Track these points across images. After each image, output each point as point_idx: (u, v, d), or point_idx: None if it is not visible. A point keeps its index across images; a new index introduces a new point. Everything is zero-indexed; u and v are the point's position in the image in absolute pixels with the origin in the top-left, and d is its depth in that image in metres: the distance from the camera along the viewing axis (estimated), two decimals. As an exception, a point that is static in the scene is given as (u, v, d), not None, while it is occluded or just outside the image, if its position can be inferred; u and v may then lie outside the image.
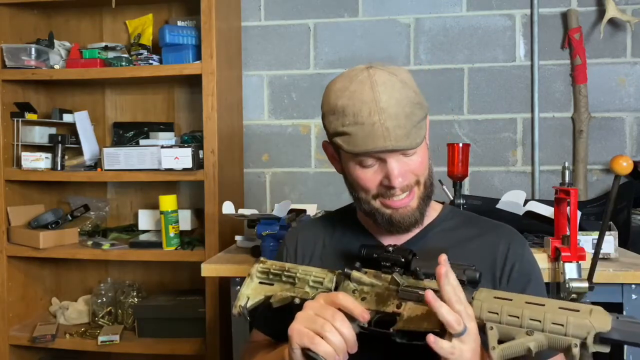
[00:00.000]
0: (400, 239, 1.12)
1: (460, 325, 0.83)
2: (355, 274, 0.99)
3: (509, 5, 2.38)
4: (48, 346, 2.27)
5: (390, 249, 0.98)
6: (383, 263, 0.97)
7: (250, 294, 1.08)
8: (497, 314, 0.85)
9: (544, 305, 0.83)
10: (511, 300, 0.86)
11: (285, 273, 1.06)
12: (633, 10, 2.31)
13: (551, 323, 0.81)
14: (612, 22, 2.28)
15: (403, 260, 0.96)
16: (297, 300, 1.02)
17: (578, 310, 0.81)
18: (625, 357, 1.60)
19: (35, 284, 2.50)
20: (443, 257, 0.87)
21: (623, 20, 2.26)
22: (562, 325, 0.80)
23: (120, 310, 2.39)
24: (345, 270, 0.99)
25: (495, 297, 0.87)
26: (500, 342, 0.84)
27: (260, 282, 1.09)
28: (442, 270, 0.85)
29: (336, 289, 1.00)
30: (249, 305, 1.07)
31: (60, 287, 2.62)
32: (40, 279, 2.53)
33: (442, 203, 1.22)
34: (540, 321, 0.82)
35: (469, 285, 0.90)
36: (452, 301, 0.84)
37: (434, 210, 1.17)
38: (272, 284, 1.07)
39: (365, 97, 0.99)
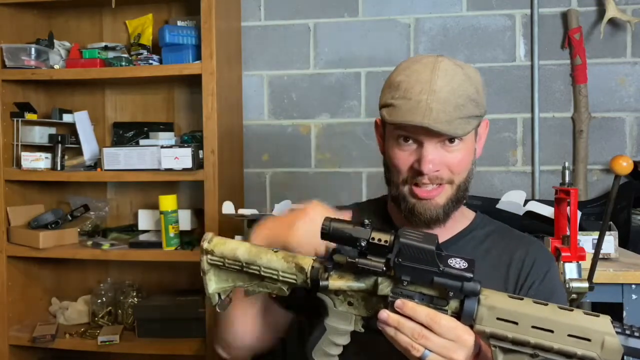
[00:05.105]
0: None
1: (417, 351, 0.83)
2: (332, 284, 0.90)
3: (509, 5, 2.38)
4: (48, 346, 2.27)
5: (364, 244, 0.86)
6: (362, 267, 0.87)
7: (216, 288, 0.98)
8: (502, 339, 0.82)
9: (552, 332, 0.80)
10: (517, 324, 0.81)
11: (246, 269, 0.95)
12: (633, 10, 2.31)
13: (558, 353, 0.80)
14: (612, 22, 2.28)
15: (384, 269, 0.86)
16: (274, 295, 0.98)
17: (589, 340, 0.78)
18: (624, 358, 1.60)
19: (35, 284, 2.50)
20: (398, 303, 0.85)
21: (623, 20, 2.26)
22: (570, 357, 0.80)
23: (120, 310, 2.39)
24: (321, 284, 0.90)
25: (498, 319, 0.82)
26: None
27: (218, 268, 0.98)
28: (382, 316, 0.85)
29: (315, 285, 0.91)
30: (223, 297, 1.00)
31: (60, 287, 2.61)
32: (40, 279, 2.53)
33: (476, 211, 1.20)
34: (548, 350, 0.80)
35: (471, 295, 0.84)
36: (399, 331, 0.85)
37: (466, 218, 1.17)
38: (234, 269, 0.97)
39: (422, 77, 1.01)
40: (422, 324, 0.83)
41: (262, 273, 0.94)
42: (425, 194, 1.04)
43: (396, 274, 0.85)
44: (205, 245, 0.97)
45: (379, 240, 0.85)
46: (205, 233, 0.99)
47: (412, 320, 0.84)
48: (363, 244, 0.85)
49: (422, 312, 0.83)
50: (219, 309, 1.00)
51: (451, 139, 1.02)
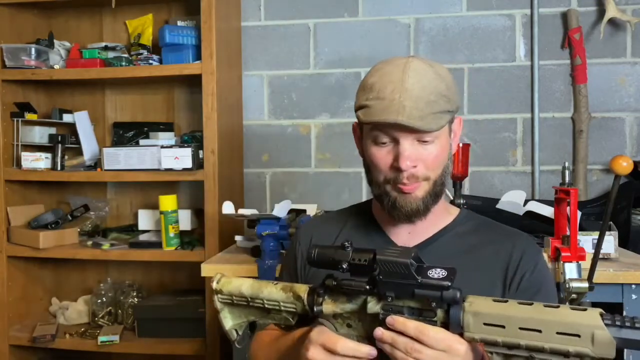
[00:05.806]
0: (412, 241, 1.13)
1: None
2: (326, 308, 0.93)
3: (509, 5, 2.38)
4: (48, 346, 2.27)
5: (345, 266, 0.89)
6: (346, 288, 0.90)
7: (232, 325, 1.04)
8: (493, 344, 0.82)
9: (540, 331, 0.79)
10: (504, 327, 0.81)
11: (252, 303, 1.00)
12: (633, 10, 2.31)
13: (551, 352, 0.79)
14: (612, 22, 2.28)
15: (367, 287, 0.88)
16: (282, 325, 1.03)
17: (579, 336, 0.77)
18: (625, 357, 1.61)
19: (35, 284, 2.50)
20: (389, 320, 0.87)
21: (623, 20, 2.26)
22: (564, 354, 0.78)
23: (120, 310, 2.39)
24: (315, 309, 0.94)
25: (485, 324, 0.82)
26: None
27: (231, 306, 1.03)
28: (377, 334, 0.87)
29: (313, 311, 0.95)
30: (240, 333, 1.05)
31: (60, 287, 2.61)
32: (40, 279, 2.53)
33: (459, 207, 1.22)
34: (540, 350, 0.79)
35: (453, 304, 0.85)
36: (394, 347, 0.86)
37: (450, 214, 1.18)
38: (243, 305, 1.02)
39: (394, 77, 1.03)
40: (413, 338, 0.85)
41: (266, 305, 0.98)
42: (406, 188, 1.07)
43: (380, 290, 0.88)
44: (214, 285, 1.02)
45: (359, 260, 0.88)
46: (215, 274, 1.04)
47: (404, 335, 0.85)
48: (345, 265, 0.89)
49: (411, 326, 0.85)
50: (238, 344, 1.04)
51: (425, 139, 1.04)
